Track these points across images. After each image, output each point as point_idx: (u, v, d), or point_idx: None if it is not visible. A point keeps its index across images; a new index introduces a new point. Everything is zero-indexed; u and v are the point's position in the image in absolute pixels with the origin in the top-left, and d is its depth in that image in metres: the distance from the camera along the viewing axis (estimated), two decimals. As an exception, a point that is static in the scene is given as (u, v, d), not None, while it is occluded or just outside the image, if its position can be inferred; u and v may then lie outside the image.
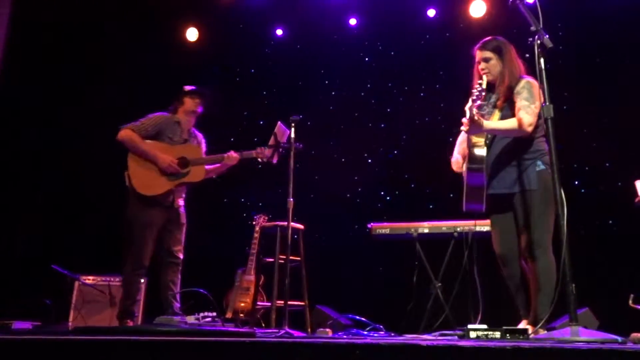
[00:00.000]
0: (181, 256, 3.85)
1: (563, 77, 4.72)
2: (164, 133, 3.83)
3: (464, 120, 2.81)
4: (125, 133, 3.75)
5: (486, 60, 3.01)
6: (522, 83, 2.92)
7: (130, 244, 3.69)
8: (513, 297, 3.04)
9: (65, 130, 5.55)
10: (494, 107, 3.00)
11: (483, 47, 3.04)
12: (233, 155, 3.89)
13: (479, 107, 2.82)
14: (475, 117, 2.75)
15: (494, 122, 2.93)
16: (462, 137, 3.16)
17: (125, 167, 3.75)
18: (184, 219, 3.90)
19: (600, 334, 2.29)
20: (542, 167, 2.87)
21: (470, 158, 2.90)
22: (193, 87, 4.01)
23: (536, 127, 2.90)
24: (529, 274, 2.94)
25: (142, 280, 3.98)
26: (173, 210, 3.83)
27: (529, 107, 2.84)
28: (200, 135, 4.09)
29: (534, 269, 2.85)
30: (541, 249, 2.81)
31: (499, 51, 3.01)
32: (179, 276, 3.85)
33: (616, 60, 5.02)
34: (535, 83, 2.83)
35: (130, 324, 3.66)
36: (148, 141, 3.78)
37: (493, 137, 3.01)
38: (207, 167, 3.93)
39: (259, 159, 3.97)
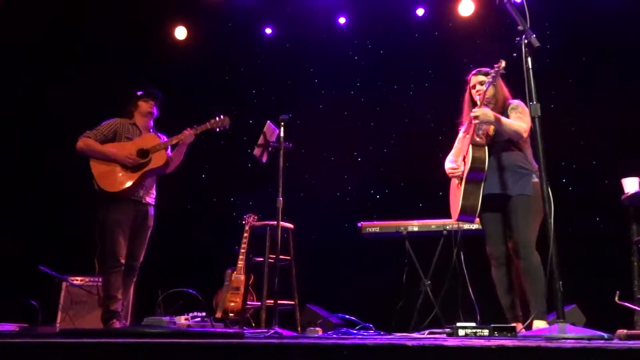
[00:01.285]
0: (140, 260, 3.84)
1: (550, 76, 4.76)
2: (122, 134, 3.89)
3: (475, 109, 3.09)
4: (83, 141, 3.81)
5: (481, 84, 3.26)
6: (515, 103, 3.26)
7: (103, 244, 3.68)
8: (500, 299, 3.21)
9: (52, 130, 5.50)
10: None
11: (478, 73, 3.33)
12: (188, 132, 3.92)
13: (476, 129, 3.12)
14: (484, 105, 3.11)
15: (501, 116, 3.15)
16: (451, 157, 3.41)
17: (90, 175, 3.75)
18: (151, 222, 3.90)
19: (587, 330, 2.32)
20: (537, 179, 3.08)
21: (473, 158, 3.10)
22: (145, 90, 4.07)
23: (527, 143, 3.18)
24: (519, 273, 3.09)
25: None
26: (142, 207, 3.83)
27: (523, 118, 3.14)
28: (162, 136, 4.07)
29: (524, 268, 3.03)
30: (529, 249, 3.01)
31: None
32: (133, 280, 3.85)
33: (603, 59, 5.06)
34: (524, 104, 3.13)
35: (117, 324, 3.62)
36: (107, 144, 3.83)
37: (492, 141, 3.21)
38: (169, 153, 3.93)
39: (217, 129, 4.01)
